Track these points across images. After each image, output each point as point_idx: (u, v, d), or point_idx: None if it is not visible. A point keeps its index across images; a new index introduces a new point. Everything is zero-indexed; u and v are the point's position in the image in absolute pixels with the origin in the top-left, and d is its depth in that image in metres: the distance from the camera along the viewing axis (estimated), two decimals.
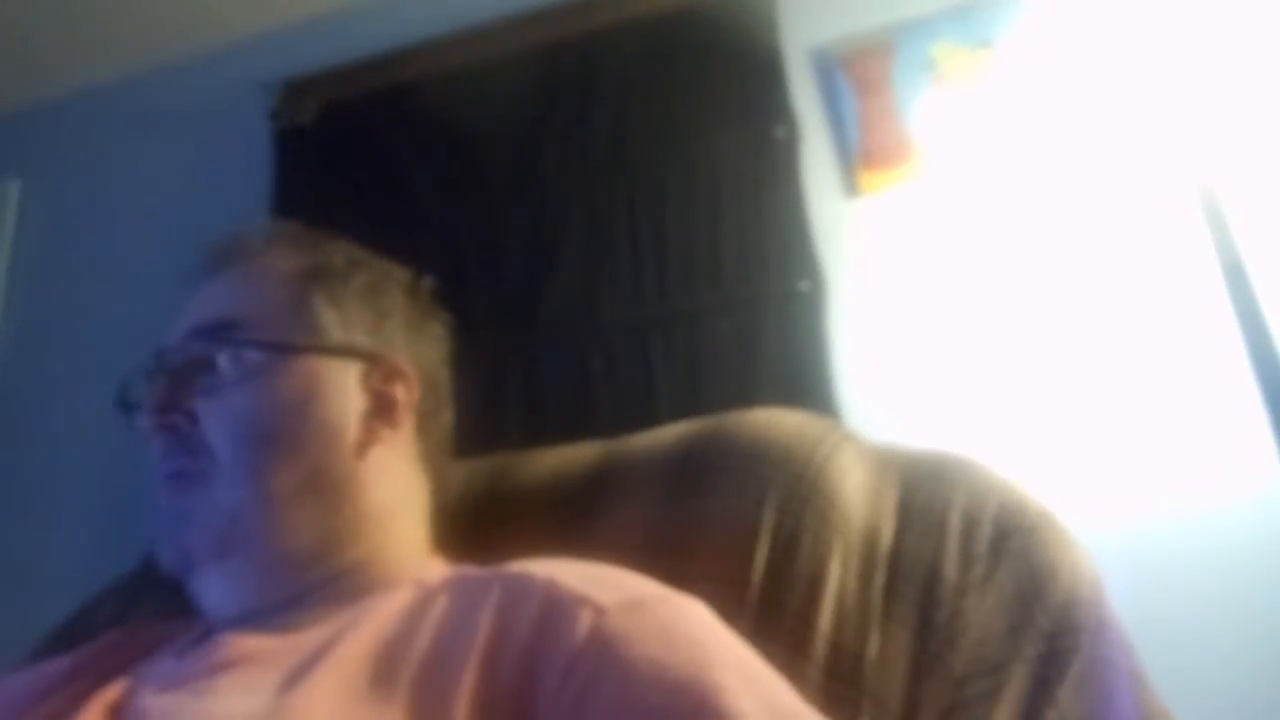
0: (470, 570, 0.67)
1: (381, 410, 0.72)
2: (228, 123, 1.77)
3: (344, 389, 0.71)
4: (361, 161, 1.65)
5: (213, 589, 0.68)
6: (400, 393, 0.74)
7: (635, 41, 1.57)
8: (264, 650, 0.61)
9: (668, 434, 0.82)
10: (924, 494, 0.73)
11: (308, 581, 0.67)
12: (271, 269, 0.75)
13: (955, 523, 0.70)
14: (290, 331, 0.71)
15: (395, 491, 0.72)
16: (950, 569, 0.68)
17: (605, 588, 0.57)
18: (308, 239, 0.78)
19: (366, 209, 1.59)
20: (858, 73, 1.47)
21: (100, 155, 1.88)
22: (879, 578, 0.68)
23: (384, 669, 0.56)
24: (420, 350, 0.78)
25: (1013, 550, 0.68)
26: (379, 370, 0.73)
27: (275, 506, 0.66)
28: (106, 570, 0.95)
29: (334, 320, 0.73)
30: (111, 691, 0.63)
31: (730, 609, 0.60)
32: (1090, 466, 1.19)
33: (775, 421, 0.79)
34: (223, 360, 0.68)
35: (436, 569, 0.69)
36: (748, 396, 1.07)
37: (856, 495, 0.73)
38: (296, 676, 0.56)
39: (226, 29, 1.84)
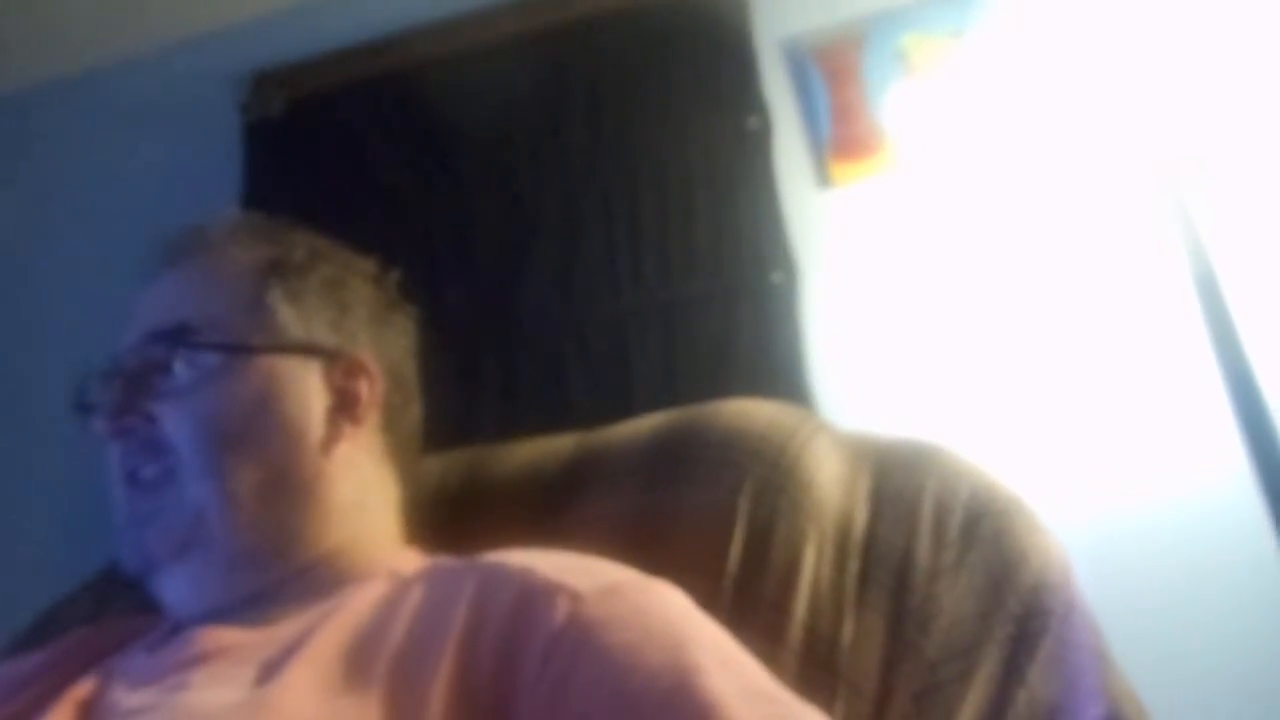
0: (445, 561, 0.67)
1: (345, 406, 0.72)
2: (196, 116, 1.75)
3: (305, 387, 0.70)
4: (333, 154, 1.64)
5: (175, 588, 0.68)
6: (364, 388, 0.73)
7: (608, 33, 1.57)
8: (238, 643, 0.61)
9: (643, 425, 0.83)
10: (897, 481, 0.73)
11: (272, 578, 0.67)
12: (229, 263, 0.73)
13: (927, 509, 0.71)
14: (247, 331, 0.70)
15: (362, 487, 0.72)
16: (923, 555, 0.69)
17: (581, 575, 0.57)
18: (268, 230, 0.77)
19: (338, 202, 1.57)
20: (829, 63, 1.48)
21: (65, 150, 1.85)
22: (853, 564, 0.69)
23: (360, 659, 0.56)
24: (385, 343, 0.77)
25: (984, 535, 0.69)
26: (341, 366, 0.72)
27: (238, 506, 0.66)
28: (77, 569, 0.94)
29: (293, 317, 0.72)
30: (82, 688, 0.62)
31: (706, 598, 0.60)
32: (1059, 454, 1.21)
33: (750, 412, 0.80)
34: (179, 365, 0.68)
35: (411, 560, 0.70)
36: (722, 387, 1.08)
37: (830, 483, 0.74)
38: (272, 669, 0.56)
39: (194, 21, 1.81)
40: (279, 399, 0.69)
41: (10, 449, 1.66)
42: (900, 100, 1.43)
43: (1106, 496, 1.18)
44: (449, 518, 0.79)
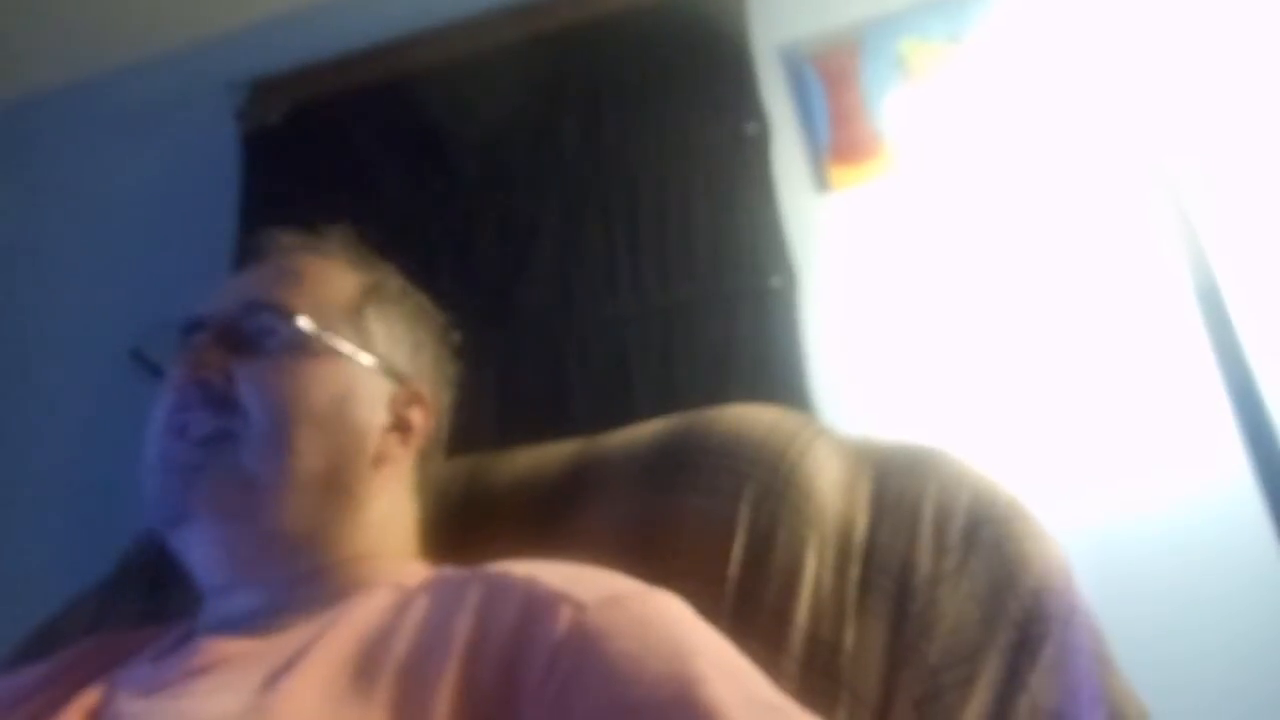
0: (449, 571, 0.67)
1: (399, 429, 0.74)
2: (194, 123, 1.75)
3: (375, 401, 0.73)
4: (331, 161, 1.64)
5: (203, 548, 0.68)
6: (418, 418, 0.76)
7: (607, 38, 1.57)
8: (242, 652, 0.61)
9: (643, 431, 0.83)
10: (897, 486, 0.73)
11: (292, 569, 0.67)
12: (334, 272, 0.77)
13: (928, 514, 0.71)
14: (344, 333, 0.73)
15: (393, 507, 0.74)
16: (924, 560, 0.69)
17: (584, 585, 0.57)
18: (368, 257, 0.81)
19: (336, 209, 1.56)
20: (827, 68, 1.48)
21: (64, 156, 1.86)
22: (854, 570, 0.69)
23: (364, 668, 0.56)
24: (439, 389, 0.80)
25: (985, 540, 0.69)
26: (404, 393, 0.75)
27: (293, 485, 0.67)
28: (81, 576, 0.94)
29: (382, 336, 0.75)
30: (89, 696, 0.63)
31: (707, 605, 0.60)
32: (1060, 458, 1.21)
33: (750, 417, 0.80)
34: (280, 332, 0.70)
35: (416, 571, 0.70)
36: (722, 392, 1.08)
37: (831, 489, 0.73)
38: (276, 677, 0.56)
39: (193, 27, 1.82)
40: (354, 403, 0.71)
41: (12, 454, 1.66)
42: (898, 105, 1.43)
43: (1108, 501, 1.18)
44: (450, 526, 0.79)
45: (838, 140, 1.44)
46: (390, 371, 0.74)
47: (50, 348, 1.71)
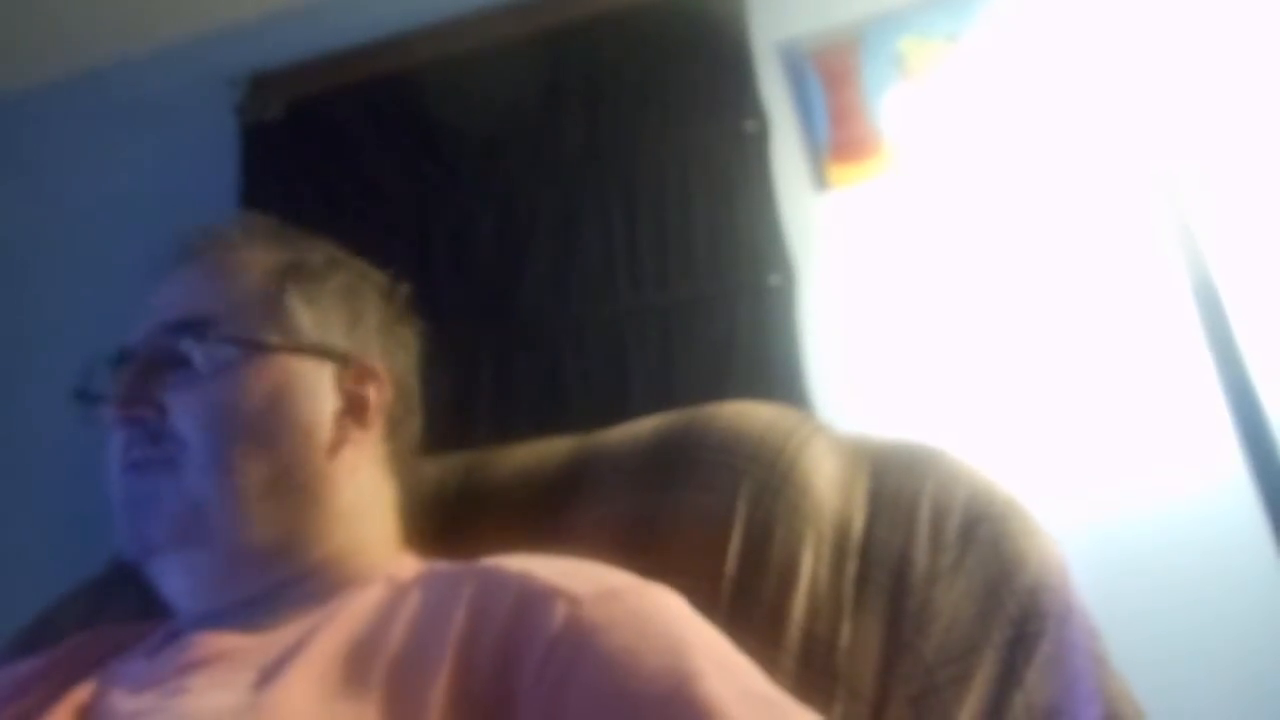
0: (442, 565, 0.67)
1: (353, 411, 0.72)
2: (193, 118, 1.75)
3: (317, 388, 0.71)
4: (329, 157, 1.64)
5: (173, 578, 0.68)
6: (372, 394, 0.74)
7: (606, 36, 1.57)
8: (236, 648, 0.61)
9: (641, 428, 0.83)
10: (894, 483, 0.73)
11: (272, 580, 0.67)
12: (247, 263, 0.74)
13: (925, 511, 0.71)
14: (265, 329, 0.70)
15: (365, 493, 0.72)
16: (920, 557, 0.68)
17: (579, 579, 0.57)
18: (285, 235, 0.78)
19: (335, 204, 1.58)
20: (826, 67, 1.48)
21: (63, 150, 1.86)
22: (851, 567, 0.69)
23: (359, 664, 0.56)
24: (393, 354, 0.77)
25: (982, 538, 0.69)
26: (352, 371, 0.73)
27: (242, 501, 0.66)
28: (74, 572, 0.94)
29: (309, 319, 0.72)
30: (81, 692, 0.62)
31: (704, 601, 0.60)
32: (1057, 456, 1.21)
33: (748, 414, 0.80)
34: (197, 356, 0.68)
35: (409, 565, 0.70)
36: (720, 389, 1.08)
37: (828, 486, 0.73)
38: (270, 673, 0.56)
39: (192, 22, 1.82)
40: (292, 398, 0.69)
41: (8, 449, 1.65)
42: (897, 103, 1.43)
43: (1105, 499, 1.18)
44: (446, 521, 0.79)
45: (837, 138, 1.44)
46: (327, 352, 0.72)
47: (48, 341, 1.70)
